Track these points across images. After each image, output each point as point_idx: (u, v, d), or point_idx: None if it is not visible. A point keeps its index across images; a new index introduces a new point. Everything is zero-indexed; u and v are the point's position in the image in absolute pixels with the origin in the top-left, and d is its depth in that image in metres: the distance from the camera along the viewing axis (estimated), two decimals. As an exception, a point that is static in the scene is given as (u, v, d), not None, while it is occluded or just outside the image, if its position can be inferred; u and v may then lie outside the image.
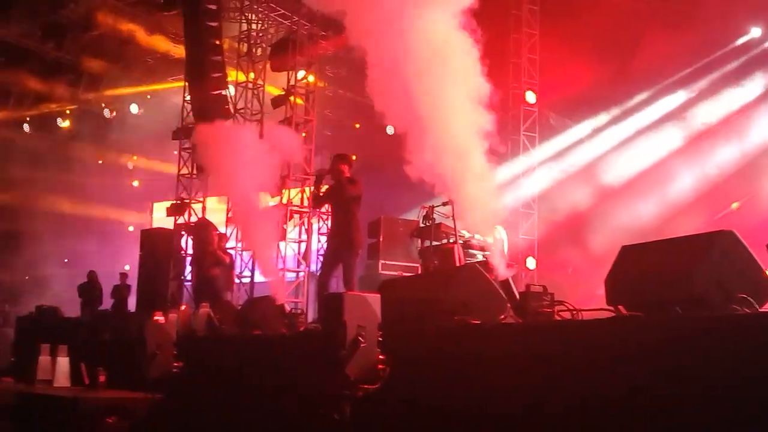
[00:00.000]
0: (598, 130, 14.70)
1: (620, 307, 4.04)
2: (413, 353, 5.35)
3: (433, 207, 8.91)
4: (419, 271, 10.93)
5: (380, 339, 5.24)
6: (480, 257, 9.71)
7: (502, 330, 4.83)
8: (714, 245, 3.72)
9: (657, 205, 12.51)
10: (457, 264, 8.34)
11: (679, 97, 13.71)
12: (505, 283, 5.18)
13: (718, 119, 12.91)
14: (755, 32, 12.74)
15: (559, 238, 13.75)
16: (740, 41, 12.98)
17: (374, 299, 5.31)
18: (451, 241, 9.02)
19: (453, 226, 9.12)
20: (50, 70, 18.51)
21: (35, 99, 19.52)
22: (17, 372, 9.00)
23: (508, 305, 5.11)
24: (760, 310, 3.54)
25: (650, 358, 3.55)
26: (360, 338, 5.04)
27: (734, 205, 11.83)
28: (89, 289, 15.97)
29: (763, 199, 11.35)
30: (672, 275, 3.76)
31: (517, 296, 5.01)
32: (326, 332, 5.34)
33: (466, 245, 9.45)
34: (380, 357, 5.18)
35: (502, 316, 5.15)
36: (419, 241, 10.00)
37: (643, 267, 4.06)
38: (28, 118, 20.03)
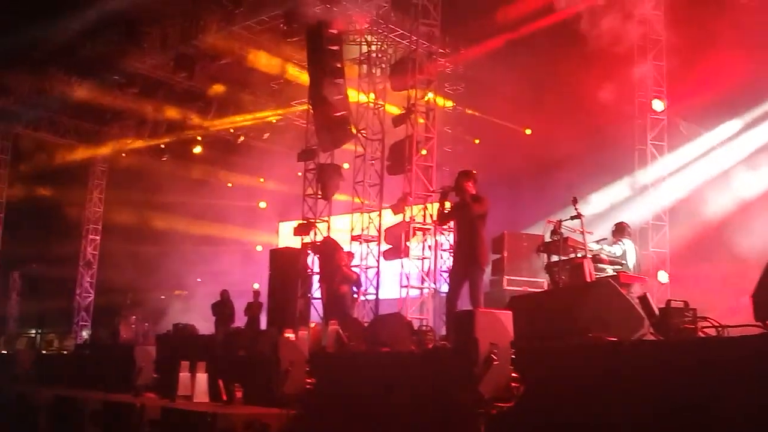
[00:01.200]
0: (732, 137, 13.99)
1: (770, 322, 3.82)
2: (547, 371, 5.25)
3: (560, 221, 8.72)
4: (545, 287, 10.71)
5: (513, 356, 5.16)
6: (610, 271, 9.42)
7: (643, 347, 4.66)
8: None
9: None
10: (588, 279, 8.11)
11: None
12: (643, 299, 5.00)
13: None
14: None
15: (692, 250, 13.14)
16: None
17: (506, 316, 5.23)
18: (579, 255, 8.78)
19: (581, 241, 8.90)
20: (182, 99, 19.49)
21: (169, 127, 20.59)
22: (160, 388, 9.42)
23: (647, 322, 4.93)
24: None
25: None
26: (493, 356, 4.98)
27: None
28: (222, 308, 16.56)
29: None
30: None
31: (657, 312, 4.82)
32: (458, 349, 5.31)
33: (596, 259, 9.18)
34: (514, 375, 5.10)
35: (640, 333, 4.97)
36: (545, 256, 9.78)
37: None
38: (163, 146, 21.11)
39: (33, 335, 20.73)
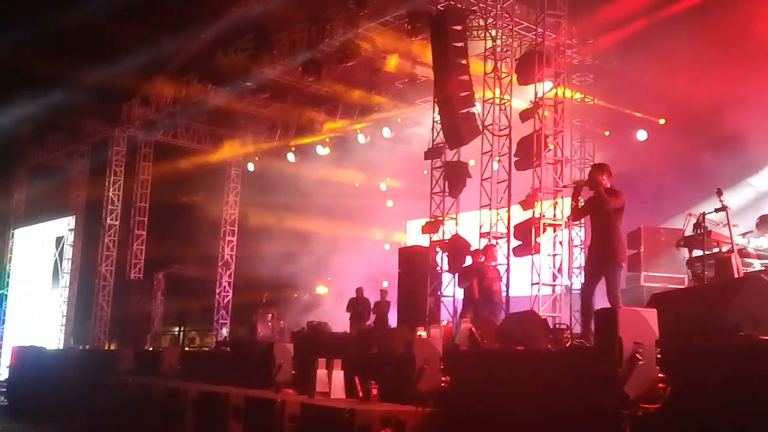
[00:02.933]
0: None
1: None
2: (695, 372, 5.02)
3: (704, 214, 8.33)
4: (687, 283, 10.29)
5: (659, 356, 4.97)
6: (758, 266, 8.91)
7: (805, 347, 4.37)
8: None
9: None
10: (736, 274, 7.70)
11: None
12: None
13: None
14: None
15: None
16: None
17: (650, 314, 5.04)
18: (724, 249, 8.36)
19: (726, 234, 8.48)
20: (309, 102, 20.01)
21: (298, 130, 21.19)
22: (297, 384, 9.67)
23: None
24: None
25: None
26: (638, 355, 4.81)
27: None
28: (357, 305, 16.86)
29: None
30: None
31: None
32: (600, 349, 5.15)
33: (742, 254, 8.71)
34: (660, 375, 4.91)
35: (802, 332, 4.67)
36: (686, 250, 9.38)
37: None
38: (293, 148, 21.74)
39: (176, 333, 21.86)
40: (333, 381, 8.73)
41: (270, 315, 18.65)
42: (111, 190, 22.03)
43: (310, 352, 10.26)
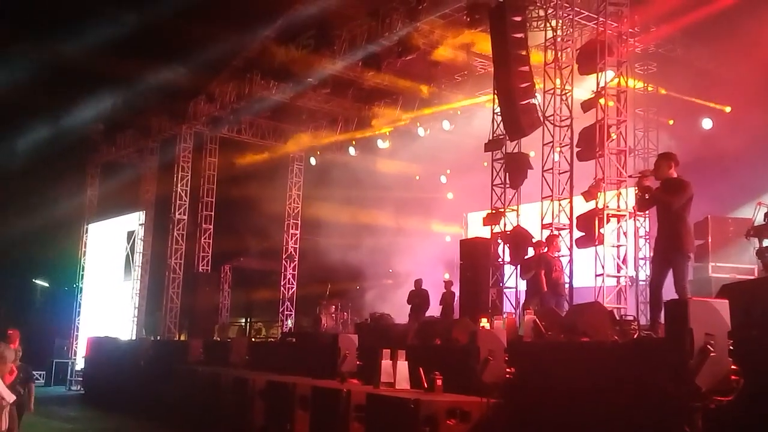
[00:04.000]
0: None
1: None
2: (770, 363, 4.96)
3: (775, 203, 8.18)
4: (757, 274, 10.09)
5: (731, 347, 4.93)
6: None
7: None
8: None
9: None
10: (810, 265, 7.54)
11: None
12: None
13: None
14: None
15: None
16: None
17: (722, 305, 5.01)
18: (797, 239, 8.19)
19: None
20: (370, 96, 20.13)
21: (359, 124, 21.37)
22: (362, 374, 9.82)
23: None
24: None
25: None
26: (709, 346, 4.79)
27: None
28: (416, 297, 16.97)
29: None
30: None
31: None
32: (670, 340, 5.14)
33: (816, 243, 8.51)
34: (733, 367, 4.87)
35: None
36: (756, 240, 9.21)
37: None
38: (353, 142, 21.94)
39: (243, 324, 22.33)
40: (397, 371, 8.84)
41: (333, 306, 18.90)
42: (179, 185, 22.55)
43: (374, 343, 10.41)
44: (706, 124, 16.69)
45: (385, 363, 8.99)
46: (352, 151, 22.17)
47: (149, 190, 25.19)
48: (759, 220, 8.99)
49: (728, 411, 4.70)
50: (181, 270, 22.36)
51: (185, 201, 22.64)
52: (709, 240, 11.53)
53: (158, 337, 21.20)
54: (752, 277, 10.16)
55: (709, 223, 11.56)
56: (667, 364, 4.96)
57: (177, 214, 22.55)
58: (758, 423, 4.66)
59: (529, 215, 15.22)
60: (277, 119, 22.72)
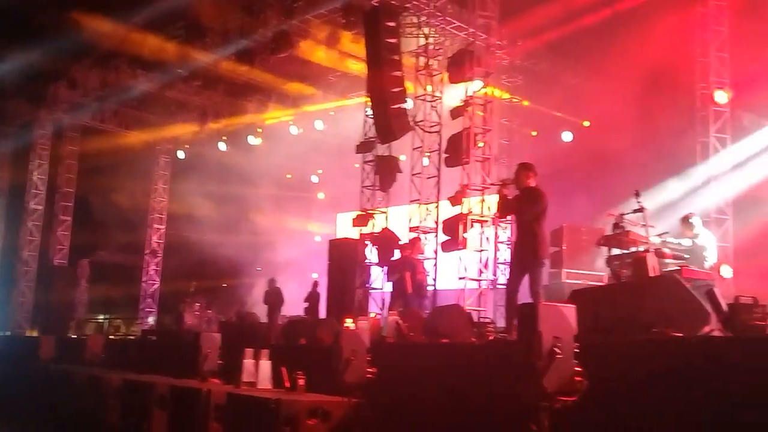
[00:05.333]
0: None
1: None
2: (611, 366, 5.26)
3: (622, 214, 8.67)
4: (606, 281, 10.66)
5: (577, 350, 5.20)
6: (674, 266, 9.33)
7: (710, 344, 4.65)
8: None
9: None
10: (651, 273, 8.06)
11: None
12: (710, 294, 4.98)
13: None
14: None
15: (758, 245, 12.89)
16: None
17: (569, 310, 5.27)
18: (642, 249, 8.72)
19: (643, 234, 8.84)
20: (242, 92, 19.82)
21: (230, 119, 20.99)
22: (224, 374, 9.66)
23: (714, 317, 4.92)
24: None
25: None
26: (556, 349, 5.02)
27: None
28: (271, 295, 16.93)
29: None
30: None
31: (725, 308, 4.80)
32: (521, 342, 5.36)
33: (659, 254, 9.09)
34: (577, 369, 5.13)
35: (707, 329, 4.96)
36: (606, 249, 9.74)
37: None
38: (224, 137, 21.54)
39: (101, 321, 21.44)
40: (260, 371, 8.75)
41: (198, 304, 18.48)
42: (35, 173, 21.46)
43: (238, 342, 10.26)
44: (567, 137, 17.51)
45: (248, 362, 8.88)
46: (222, 146, 21.77)
47: (2, 176, 23.74)
48: (609, 230, 9.50)
49: (572, 410, 4.94)
50: (36, 263, 21.26)
51: (41, 190, 21.57)
52: (564, 248, 12.07)
53: (7, 333, 20.06)
54: (600, 284, 10.74)
55: (564, 232, 12.11)
56: (518, 366, 5.17)
57: (32, 203, 21.43)
58: (599, 421, 4.93)
59: (398, 218, 15.49)
60: (143, 109, 21.95)
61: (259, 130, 21.09)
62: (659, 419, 4.66)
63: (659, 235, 9.54)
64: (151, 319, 22.12)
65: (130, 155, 22.34)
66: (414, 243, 13.49)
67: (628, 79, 13.70)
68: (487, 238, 13.94)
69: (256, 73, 18.40)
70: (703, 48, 13.60)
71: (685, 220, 10.00)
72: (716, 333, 4.81)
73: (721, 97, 13.61)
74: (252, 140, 21.17)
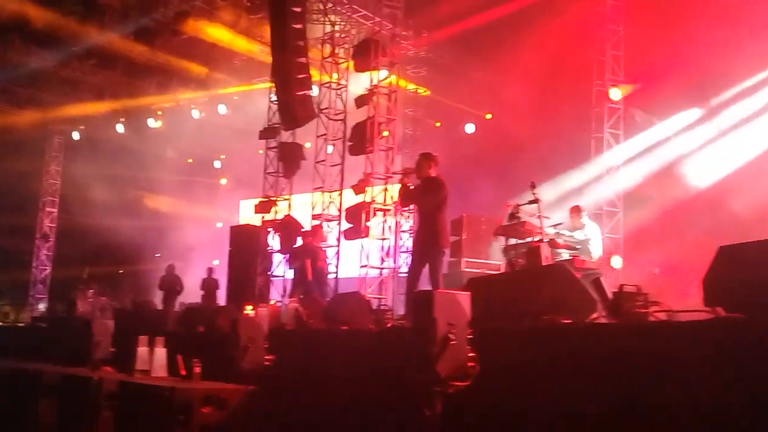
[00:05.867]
0: (686, 128, 14.33)
1: (718, 308, 4.00)
2: (504, 351, 5.39)
3: (518, 205, 8.89)
4: (503, 270, 10.92)
5: (470, 337, 5.31)
6: (566, 256, 9.64)
7: (595, 330, 4.82)
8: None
9: (749, 204, 12.08)
10: (544, 263, 8.31)
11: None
12: (596, 282, 5.17)
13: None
14: None
15: (645, 237, 13.49)
16: None
17: (464, 297, 5.37)
18: (536, 239, 8.98)
19: (538, 224, 9.09)
20: (142, 73, 19.22)
21: (128, 101, 20.31)
22: (117, 362, 9.40)
23: (600, 305, 5.10)
24: None
25: (754, 360, 3.51)
26: (450, 336, 5.11)
27: None
28: (167, 282, 16.58)
29: None
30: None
31: (610, 296, 4.99)
32: (416, 329, 5.43)
33: (552, 244, 9.38)
34: (470, 355, 5.25)
35: (594, 316, 5.14)
36: (503, 239, 9.97)
37: (743, 268, 4.00)
38: (122, 119, 20.85)
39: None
40: (154, 359, 8.56)
41: (91, 291, 17.89)
42: None
43: (134, 330, 10.00)
44: (469, 128, 17.81)
45: (142, 350, 8.66)
46: (120, 127, 21.07)
47: None
48: (506, 220, 9.72)
49: (465, 395, 5.04)
50: None
51: None
52: (464, 237, 12.26)
53: None
54: (497, 272, 10.99)
55: (464, 222, 12.30)
56: (413, 352, 5.24)
57: None
58: (489, 403, 5.05)
59: (301, 205, 15.41)
60: (36, 88, 20.91)
61: (160, 112, 20.51)
62: (549, 402, 4.80)
63: (553, 226, 9.84)
64: (41, 306, 21.26)
65: (21, 135, 21.33)
66: (316, 230, 13.46)
67: (529, 74, 14.05)
68: (390, 227, 14.04)
69: (157, 54, 17.87)
70: (599, 46, 14.10)
71: (573, 211, 10.36)
72: (601, 320, 4.99)
73: (616, 94, 14.17)
74: (152, 123, 20.59)
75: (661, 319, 4.64)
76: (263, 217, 15.34)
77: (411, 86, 17.76)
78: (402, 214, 15.66)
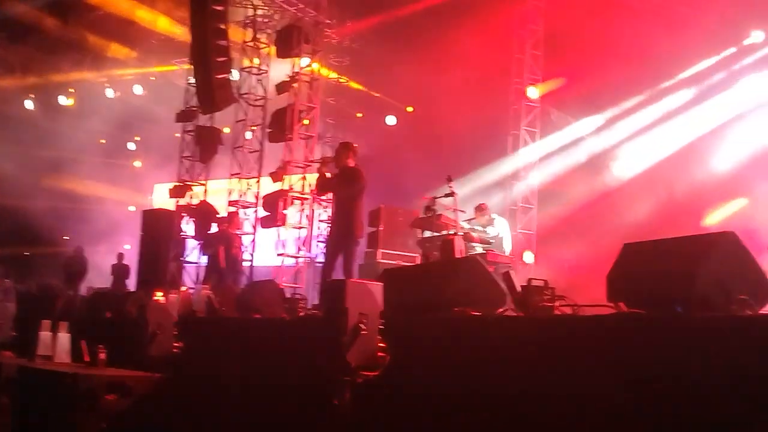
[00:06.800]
0: (600, 128, 14.76)
1: (621, 304, 4.11)
2: (414, 342, 5.43)
3: (434, 198, 8.98)
4: (418, 262, 11.02)
5: (381, 327, 5.33)
6: (480, 249, 9.79)
7: (503, 322, 4.90)
8: (716, 246, 3.79)
9: (658, 203, 12.54)
10: (458, 256, 8.41)
11: (681, 97, 13.75)
12: (506, 276, 5.24)
13: (718, 121, 12.94)
14: (757, 36, 12.77)
15: (557, 233, 13.83)
16: (742, 44, 13.01)
17: (376, 287, 5.39)
18: (451, 232, 9.08)
19: (454, 218, 9.20)
20: (54, 48, 18.47)
21: (38, 76, 19.51)
22: (18, 346, 9.06)
23: (509, 298, 5.19)
24: (759, 312, 3.62)
25: (650, 355, 3.63)
26: (361, 325, 5.12)
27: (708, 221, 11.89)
28: (73, 265, 16.10)
29: (760, 204, 11.35)
30: (674, 274, 3.83)
31: (519, 289, 5.08)
32: (328, 318, 5.42)
33: (467, 237, 9.52)
34: (381, 345, 5.27)
35: (503, 309, 5.23)
36: (419, 231, 10.06)
37: (645, 265, 4.13)
38: (31, 95, 20.02)
39: None
40: (57, 344, 8.28)
41: (-7, 274, 17.16)
42: None
43: (37, 314, 9.65)
44: (390, 120, 17.87)
45: (44, 335, 8.36)
46: (29, 104, 20.23)
47: None
48: (422, 213, 9.80)
49: (375, 385, 5.06)
50: None
51: None
52: (381, 228, 12.31)
53: None
54: (411, 264, 11.08)
55: (382, 213, 12.34)
56: (324, 341, 5.23)
57: None
58: (399, 393, 5.08)
59: (217, 191, 15.17)
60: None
61: (72, 90, 19.79)
62: (458, 392, 4.86)
63: (468, 221, 9.98)
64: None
65: None
66: (232, 217, 13.28)
67: (451, 70, 14.18)
68: (307, 216, 13.97)
69: (71, 30, 17.23)
70: (519, 44, 14.36)
71: (478, 210, 10.53)
72: (510, 313, 5.08)
73: (533, 92, 14.47)
74: (63, 100, 19.84)
75: (566, 313, 4.75)
76: (178, 202, 15.03)
77: (333, 75, 17.67)
78: (320, 204, 15.62)
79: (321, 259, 16.04)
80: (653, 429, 3.54)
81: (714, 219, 11.99)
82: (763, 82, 12.57)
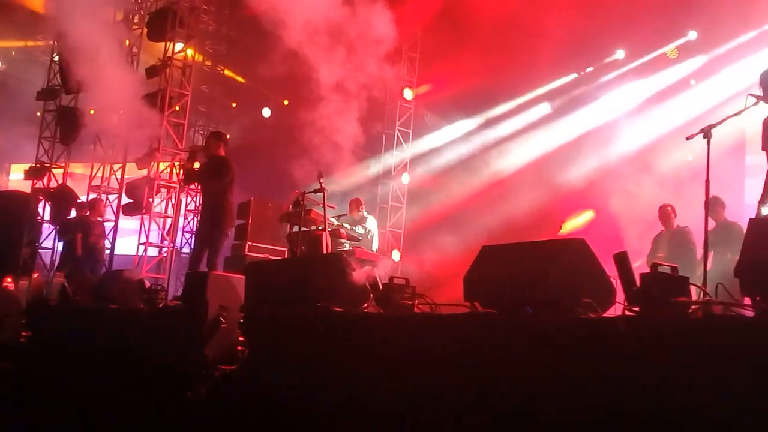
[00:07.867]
0: (471, 132, 15.17)
1: (476, 303, 4.24)
2: (274, 336, 5.40)
3: (304, 192, 8.93)
4: (286, 256, 10.95)
5: (241, 320, 5.27)
6: (347, 246, 9.84)
7: (364, 319, 4.96)
8: (566, 251, 3.98)
9: (523, 207, 13.00)
10: (325, 252, 8.42)
11: (543, 109, 14.39)
12: (370, 274, 5.30)
13: (578, 133, 13.61)
14: (619, 54, 13.55)
15: (425, 233, 14.12)
16: (607, 60, 13.76)
17: (238, 280, 5.33)
18: (320, 228, 9.07)
19: (323, 213, 9.19)
20: None
21: None
22: None
23: (372, 295, 5.24)
24: (602, 314, 3.82)
25: (501, 353, 3.77)
26: (221, 318, 5.05)
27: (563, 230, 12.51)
28: None
29: (610, 214, 11.97)
30: (527, 277, 3.99)
31: (381, 287, 5.14)
32: (187, 310, 5.31)
33: (335, 233, 9.54)
34: (240, 338, 5.21)
35: (365, 306, 5.28)
36: (288, 225, 9.99)
37: (500, 267, 4.28)
38: None
39: None
40: None
41: None
42: None
43: None
44: (266, 112, 17.64)
45: None
46: None
47: None
48: (291, 207, 9.74)
49: (232, 379, 5.00)
50: None
51: None
52: (250, 221, 12.15)
53: None
54: (277, 258, 11.01)
55: (252, 205, 12.18)
56: (182, 334, 5.12)
57: None
58: (256, 387, 5.04)
59: (79, 175, 14.51)
60: None
61: None
62: (316, 387, 4.87)
63: (337, 217, 10.01)
64: None
65: None
66: (94, 203, 12.71)
67: (327, 64, 14.13)
68: (174, 205, 13.57)
69: None
70: (396, 46, 14.52)
71: (353, 204, 10.62)
72: (372, 309, 5.14)
73: (408, 94, 14.72)
74: None
75: (424, 311, 4.86)
76: (34, 184, 14.25)
77: (208, 63, 17.27)
78: (189, 194, 15.24)
79: (188, 249, 15.69)
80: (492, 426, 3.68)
81: (567, 228, 12.63)
82: (621, 97, 13.34)
